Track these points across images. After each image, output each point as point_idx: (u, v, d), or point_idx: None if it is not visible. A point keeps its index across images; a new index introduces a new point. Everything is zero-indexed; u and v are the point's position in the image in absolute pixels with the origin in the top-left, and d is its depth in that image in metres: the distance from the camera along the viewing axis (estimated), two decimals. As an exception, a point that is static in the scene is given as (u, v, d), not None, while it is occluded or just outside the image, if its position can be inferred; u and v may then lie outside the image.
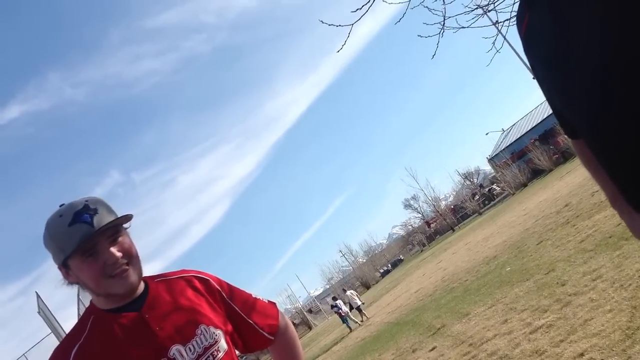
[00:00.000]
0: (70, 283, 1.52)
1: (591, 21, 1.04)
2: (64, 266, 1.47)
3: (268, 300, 1.83)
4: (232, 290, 1.73)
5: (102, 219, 1.44)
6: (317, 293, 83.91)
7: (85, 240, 1.40)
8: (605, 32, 1.01)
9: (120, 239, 1.49)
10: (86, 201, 1.47)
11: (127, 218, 1.51)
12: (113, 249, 1.45)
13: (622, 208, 1.39)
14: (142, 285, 1.56)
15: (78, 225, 1.42)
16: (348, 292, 24.20)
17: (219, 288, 1.69)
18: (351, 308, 22.80)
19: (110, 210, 1.50)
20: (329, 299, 32.30)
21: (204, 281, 1.68)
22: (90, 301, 1.56)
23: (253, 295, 1.79)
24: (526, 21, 1.26)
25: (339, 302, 23.92)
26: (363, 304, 23.23)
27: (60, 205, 1.50)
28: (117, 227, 1.49)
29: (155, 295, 1.56)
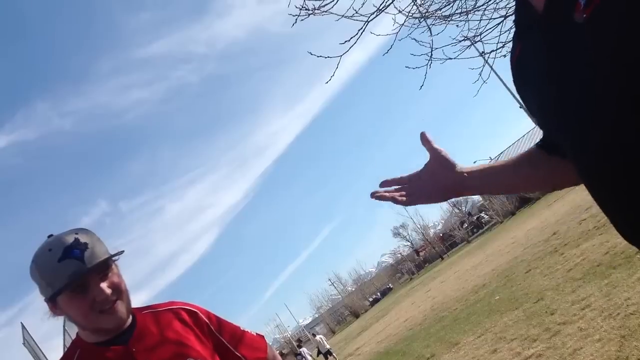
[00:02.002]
0: (57, 316, 1.48)
1: (581, 52, 1.05)
2: (51, 300, 1.44)
3: (256, 333, 1.82)
4: (220, 323, 1.70)
5: (93, 255, 1.41)
6: (306, 322, 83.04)
7: (76, 277, 1.37)
8: (595, 62, 1.03)
9: (110, 274, 1.47)
10: (76, 234, 1.44)
11: (119, 253, 1.49)
12: (103, 285, 1.43)
13: None
14: (129, 318, 1.53)
15: (68, 261, 1.38)
16: (317, 337, 24.06)
17: (207, 320, 1.67)
18: (319, 353, 22.67)
19: (100, 244, 1.47)
20: (318, 329, 31.98)
21: (192, 313, 1.66)
22: (77, 333, 1.53)
23: (241, 328, 1.76)
24: (518, 50, 1.28)
25: (304, 349, 23.84)
26: (331, 349, 23.10)
27: (49, 236, 1.46)
28: (107, 262, 1.46)
29: (142, 328, 1.54)
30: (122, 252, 1.50)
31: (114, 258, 1.50)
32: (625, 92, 1.00)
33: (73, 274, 1.37)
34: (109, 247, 1.50)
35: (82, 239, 1.43)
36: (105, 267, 1.45)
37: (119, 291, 1.48)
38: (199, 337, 1.60)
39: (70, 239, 1.42)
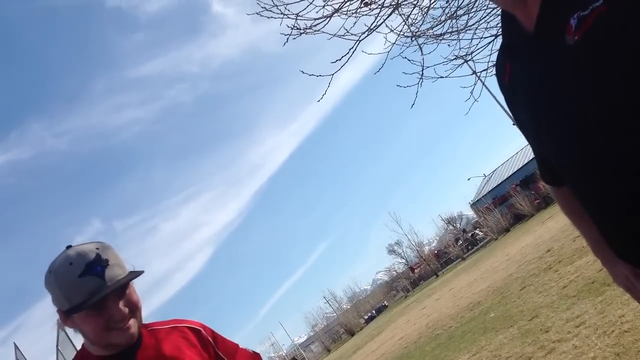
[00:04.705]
0: (66, 327, 1.48)
1: (572, 74, 1.06)
2: (66, 313, 1.43)
3: (253, 351, 1.84)
4: (221, 341, 1.72)
5: (114, 273, 1.41)
6: (301, 340, 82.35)
7: (96, 295, 1.37)
8: (587, 85, 1.04)
9: (127, 292, 1.46)
10: (97, 249, 1.43)
11: (139, 273, 1.48)
12: (121, 304, 1.43)
13: (605, 256, 1.41)
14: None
15: (89, 278, 1.37)
16: None
17: (210, 339, 1.68)
18: None
19: (120, 261, 1.47)
20: (314, 347, 31.69)
21: (196, 332, 1.67)
22: (82, 344, 1.53)
23: (240, 346, 1.78)
24: (508, 72, 1.28)
25: None
26: None
27: (68, 247, 1.46)
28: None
29: (147, 345, 1.55)
30: (142, 272, 1.49)
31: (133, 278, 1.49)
32: (618, 115, 1.01)
33: (94, 291, 1.37)
34: (126, 263, 1.50)
35: (104, 254, 1.42)
36: (124, 285, 1.45)
37: (135, 309, 1.48)
38: (202, 355, 1.62)
39: (91, 254, 1.41)
